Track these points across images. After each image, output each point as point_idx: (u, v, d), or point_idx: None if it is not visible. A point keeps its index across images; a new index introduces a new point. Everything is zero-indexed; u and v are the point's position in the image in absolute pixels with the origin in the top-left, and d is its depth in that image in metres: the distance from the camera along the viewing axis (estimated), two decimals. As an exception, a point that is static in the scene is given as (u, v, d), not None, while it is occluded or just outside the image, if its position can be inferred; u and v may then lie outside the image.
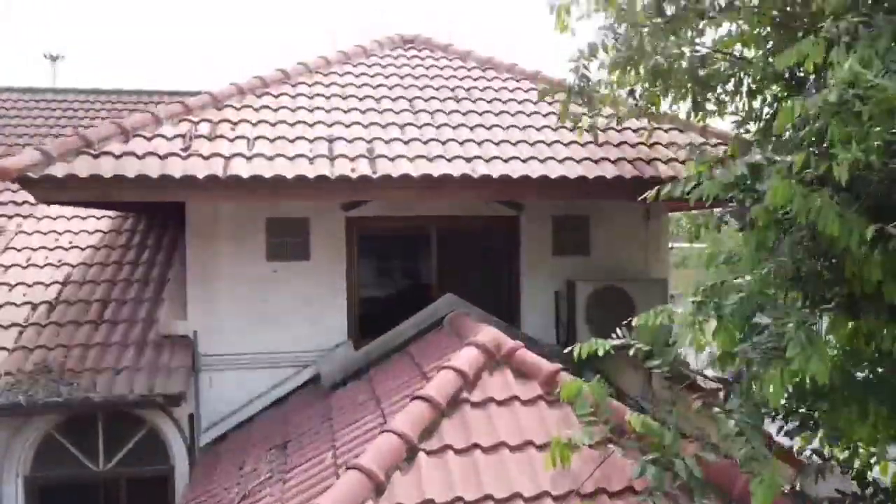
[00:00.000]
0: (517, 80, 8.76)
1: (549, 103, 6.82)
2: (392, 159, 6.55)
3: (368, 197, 6.56)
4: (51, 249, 8.65)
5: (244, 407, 7.33)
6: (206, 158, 6.26)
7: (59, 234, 8.97)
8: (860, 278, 3.99)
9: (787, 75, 5.14)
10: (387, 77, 8.46)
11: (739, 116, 5.41)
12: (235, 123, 6.93)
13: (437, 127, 7.28)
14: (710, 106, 5.53)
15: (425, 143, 6.92)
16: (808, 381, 3.94)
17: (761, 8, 5.15)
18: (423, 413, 4.52)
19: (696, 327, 4.40)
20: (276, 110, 7.31)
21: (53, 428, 7.06)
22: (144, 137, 6.47)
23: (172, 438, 7.21)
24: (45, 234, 8.94)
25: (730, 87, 5.44)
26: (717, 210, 5.17)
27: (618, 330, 4.66)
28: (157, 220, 9.22)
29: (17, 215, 9.42)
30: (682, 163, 6.96)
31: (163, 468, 7.18)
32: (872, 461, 4.71)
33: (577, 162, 6.85)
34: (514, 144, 7.07)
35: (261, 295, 7.41)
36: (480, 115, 7.67)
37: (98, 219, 9.37)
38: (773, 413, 4.45)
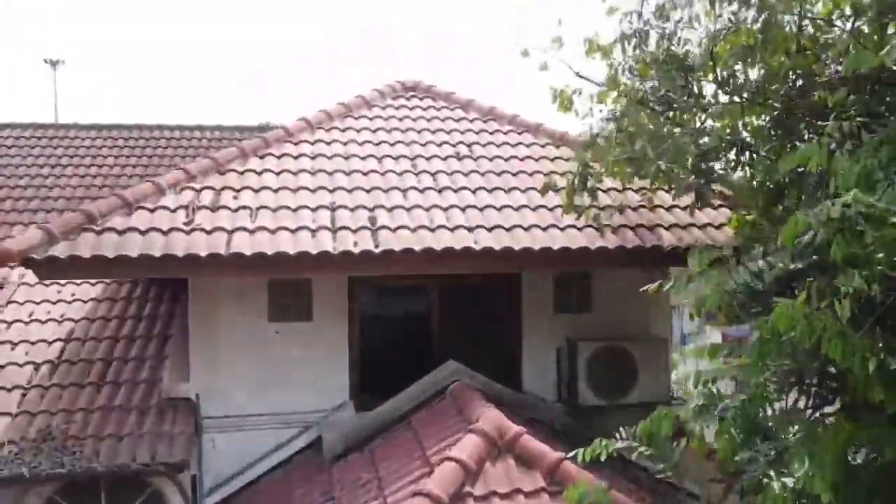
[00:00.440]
0: (519, 133, 8.79)
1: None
2: (394, 230, 6.57)
3: (371, 271, 6.57)
4: (53, 303, 8.67)
5: (248, 469, 7.34)
6: (208, 233, 6.27)
7: (62, 285, 8.98)
8: (863, 391, 4.01)
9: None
10: (389, 132, 8.48)
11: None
12: (238, 191, 6.95)
13: (440, 191, 7.29)
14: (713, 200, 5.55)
15: (427, 209, 6.94)
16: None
17: (762, 97, 5.17)
18: (427, 511, 4.54)
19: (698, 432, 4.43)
20: (278, 174, 7.33)
21: (56, 492, 7.06)
22: (147, 209, 6.49)
23: (176, 502, 7.21)
24: (47, 285, 8.93)
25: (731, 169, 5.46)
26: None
27: (621, 430, 4.67)
28: (160, 270, 9.23)
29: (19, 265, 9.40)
30: (684, 228, 6.98)
31: (166, 531, 7.18)
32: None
33: (580, 230, 6.86)
34: (516, 209, 7.08)
35: (263, 356, 7.41)
36: (482, 175, 7.69)
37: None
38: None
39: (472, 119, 9.07)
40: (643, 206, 7.31)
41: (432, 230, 6.64)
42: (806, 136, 5.16)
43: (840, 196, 4.11)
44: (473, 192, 7.34)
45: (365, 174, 7.48)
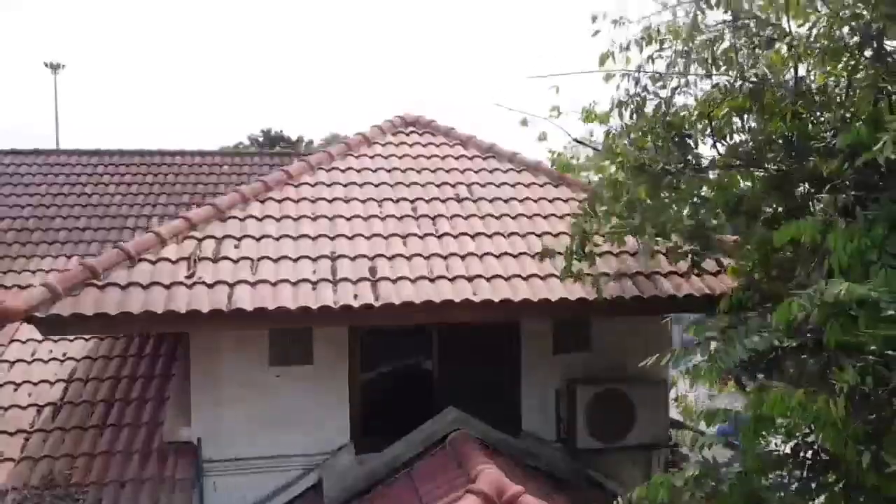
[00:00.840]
0: (518, 172, 8.84)
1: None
2: (394, 281, 6.61)
3: (371, 323, 6.62)
4: (55, 341, 8.71)
5: (249, 512, 7.39)
6: (210, 286, 6.32)
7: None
8: (857, 475, 4.05)
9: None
10: (389, 171, 8.53)
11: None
12: (239, 239, 7.00)
13: (440, 237, 7.34)
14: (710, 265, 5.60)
15: (427, 258, 6.98)
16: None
17: (759, 162, 5.22)
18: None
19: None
20: (279, 220, 7.38)
21: (58, 536, 7.13)
22: (149, 261, 6.53)
23: (177, 546, 7.26)
24: (49, 322, 8.98)
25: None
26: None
27: (619, 499, 4.72)
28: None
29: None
30: (682, 276, 7.02)
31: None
32: None
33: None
34: (515, 257, 7.13)
35: (264, 399, 7.44)
36: (482, 219, 7.74)
37: (102, 303, 9.42)
38: None
39: (472, 157, 9.12)
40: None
41: (432, 280, 6.68)
42: (803, 200, 5.20)
43: (834, 275, 4.17)
44: (473, 237, 7.38)
45: (365, 219, 7.52)
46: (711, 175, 5.21)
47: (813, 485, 4.54)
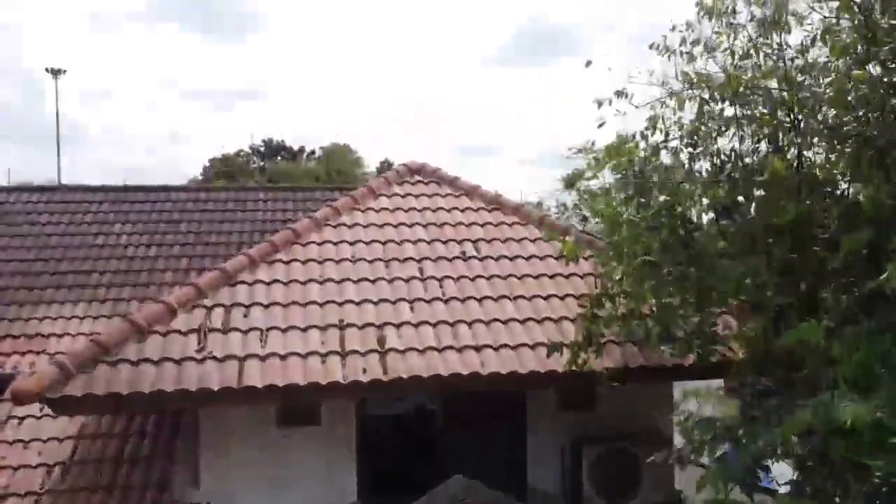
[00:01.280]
0: (523, 225, 8.89)
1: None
2: (403, 352, 6.67)
3: (380, 395, 6.69)
4: (64, 394, 8.74)
5: (258, 572, 7.45)
6: (220, 360, 6.38)
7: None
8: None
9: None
10: (395, 227, 8.59)
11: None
12: (248, 307, 7.05)
13: (446, 301, 7.39)
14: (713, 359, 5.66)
15: (434, 325, 7.04)
16: None
17: (764, 250, 5.27)
18: None
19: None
20: (287, 284, 7.43)
21: None
22: (160, 334, 6.59)
23: None
24: (57, 374, 9.03)
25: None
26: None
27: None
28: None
29: (30, 351, 9.51)
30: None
31: None
32: None
33: (584, 346, 6.95)
34: (522, 323, 7.18)
35: (272, 459, 7.52)
36: (488, 280, 7.80)
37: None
38: None
39: (478, 208, 9.17)
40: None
41: (440, 351, 6.73)
42: (809, 292, 5.24)
43: (839, 387, 4.22)
44: (479, 301, 7.44)
45: (373, 282, 7.58)
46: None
47: None
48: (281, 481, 7.53)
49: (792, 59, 5.28)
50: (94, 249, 11.69)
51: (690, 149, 5.15)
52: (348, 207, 8.88)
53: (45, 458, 7.92)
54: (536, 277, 7.91)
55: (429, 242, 8.37)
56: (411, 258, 8.04)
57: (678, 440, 8.05)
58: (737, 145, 5.20)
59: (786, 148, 4.98)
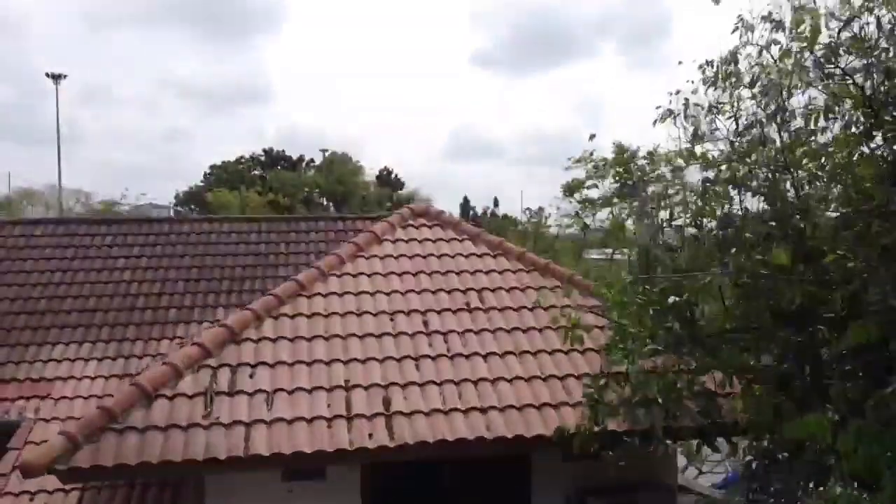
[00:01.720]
0: (528, 272, 8.91)
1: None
2: (409, 415, 6.68)
3: (386, 460, 6.70)
4: (69, 442, 8.76)
5: None
6: (227, 427, 6.39)
7: (77, 419, 9.07)
8: None
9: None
10: (400, 276, 8.60)
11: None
12: (254, 367, 7.06)
13: (451, 358, 7.40)
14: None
15: (440, 384, 7.05)
16: None
17: (767, 340, 5.29)
18: None
19: None
20: (292, 341, 7.44)
21: None
22: (166, 397, 6.60)
23: None
24: (62, 420, 9.06)
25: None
26: None
27: None
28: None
29: (35, 396, 9.53)
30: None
31: None
32: None
33: (590, 406, 6.96)
34: (527, 381, 7.20)
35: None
36: (493, 333, 7.81)
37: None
38: None
39: (482, 254, 9.18)
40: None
41: (445, 413, 6.74)
42: (814, 381, 5.25)
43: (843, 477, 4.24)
44: (485, 358, 7.45)
45: (378, 338, 7.59)
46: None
47: None
48: (286, 536, 7.54)
49: (790, 139, 5.31)
50: (98, 286, 11.70)
51: (695, 229, 5.18)
52: (352, 255, 8.89)
53: (50, 511, 7.96)
54: (541, 330, 7.92)
55: (433, 292, 8.38)
56: (416, 310, 8.05)
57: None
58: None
59: (791, 234, 4.99)
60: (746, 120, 5.80)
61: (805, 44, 5.11)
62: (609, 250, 35.11)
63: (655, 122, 5.48)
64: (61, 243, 12.62)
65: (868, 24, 5.24)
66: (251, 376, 6.98)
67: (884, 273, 4.43)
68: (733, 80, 6.14)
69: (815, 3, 5.51)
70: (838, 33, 5.03)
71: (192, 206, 60.84)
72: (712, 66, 6.41)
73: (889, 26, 5.24)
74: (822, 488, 4.63)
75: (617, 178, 34.17)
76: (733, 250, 4.91)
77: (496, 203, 45.53)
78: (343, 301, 8.11)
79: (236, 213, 47.59)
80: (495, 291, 8.52)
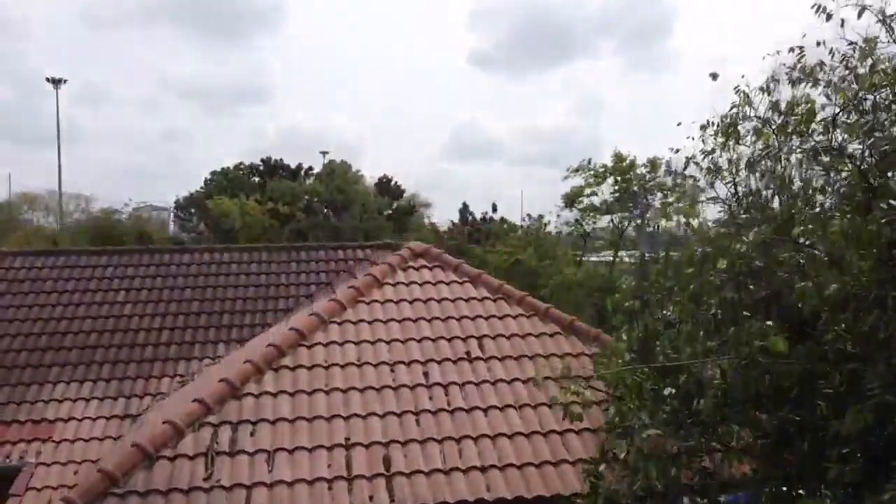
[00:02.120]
0: (528, 317, 8.93)
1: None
2: (409, 475, 6.70)
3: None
4: (70, 487, 8.78)
5: None
6: (228, 490, 6.40)
7: (79, 463, 9.11)
8: None
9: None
10: (400, 323, 8.62)
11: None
12: (255, 424, 7.08)
13: (452, 412, 7.42)
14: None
15: (440, 441, 7.07)
16: None
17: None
18: None
19: None
20: (293, 395, 7.46)
21: None
22: (168, 459, 6.62)
23: None
24: (63, 465, 9.09)
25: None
26: None
27: None
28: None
29: (36, 439, 9.55)
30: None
31: None
32: None
33: (589, 462, 6.99)
34: (527, 436, 7.21)
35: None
36: (493, 384, 7.82)
37: (115, 439, 9.51)
38: None
39: (482, 298, 9.20)
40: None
41: (446, 473, 6.76)
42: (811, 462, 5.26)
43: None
44: (485, 412, 7.46)
45: (378, 391, 7.60)
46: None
47: None
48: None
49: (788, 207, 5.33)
50: (99, 321, 11.72)
51: (692, 319, 5.19)
52: (352, 300, 8.90)
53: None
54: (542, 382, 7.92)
55: (434, 340, 8.40)
56: (416, 360, 8.06)
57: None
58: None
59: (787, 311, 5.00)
60: (745, 188, 5.82)
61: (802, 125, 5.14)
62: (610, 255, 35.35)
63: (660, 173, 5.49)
64: (62, 275, 12.65)
65: (866, 99, 5.27)
66: (252, 434, 7.00)
67: (882, 368, 4.44)
68: (732, 142, 6.17)
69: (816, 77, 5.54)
70: (835, 118, 5.05)
71: (192, 211, 60.91)
72: (712, 126, 6.46)
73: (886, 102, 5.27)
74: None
75: (616, 186, 34.34)
76: (731, 330, 4.93)
77: (494, 209, 45.38)
78: (344, 351, 8.13)
79: (236, 220, 47.71)
80: (496, 339, 8.53)
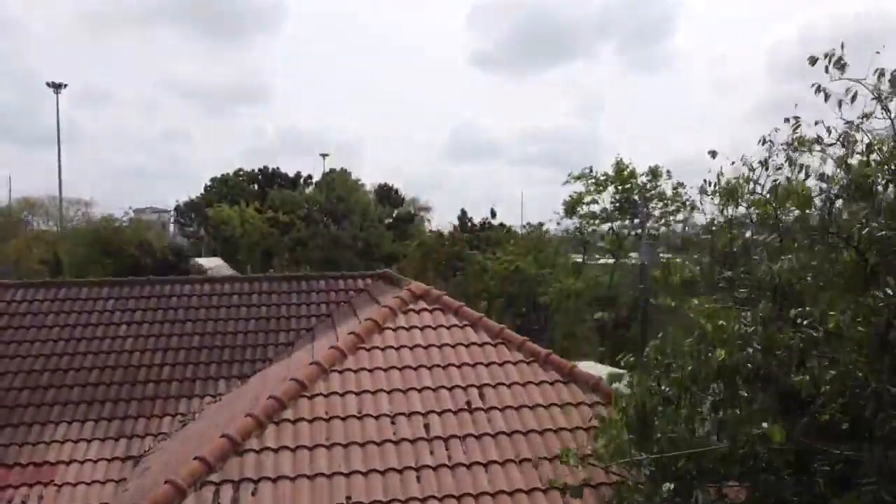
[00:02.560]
0: (528, 363, 8.97)
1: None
2: (409, 538, 6.74)
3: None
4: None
5: None
6: (229, 556, 6.44)
7: (80, 509, 9.14)
8: None
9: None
10: (401, 370, 8.66)
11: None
12: (256, 482, 7.10)
13: (452, 468, 7.45)
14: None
15: (441, 500, 7.09)
16: None
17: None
18: None
19: None
20: (294, 451, 7.49)
21: None
22: (170, 521, 6.66)
23: None
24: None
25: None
26: None
27: None
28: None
29: (38, 483, 9.57)
30: None
31: None
32: None
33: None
34: (527, 493, 7.24)
35: None
36: (494, 437, 7.86)
37: (117, 482, 9.55)
38: None
39: (482, 343, 9.24)
40: None
41: (447, 535, 6.80)
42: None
43: None
44: (486, 467, 7.49)
45: (379, 445, 7.63)
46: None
47: None
48: None
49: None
50: (101, 356, 11.74)
51: (690, 398, 5.24)
52: (353, 347, 8.94)
53: None
54: (541, 433, 7.97)
55: (434, 390, 8.44)
56: (417, 412, 8.10)
57: None
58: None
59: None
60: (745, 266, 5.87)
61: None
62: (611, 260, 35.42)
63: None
64: (63, 308, 12.67)
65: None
66: (254, 493, 7.02)
67: (879, 460, 4.48)
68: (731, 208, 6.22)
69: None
70: (830, 205, 5.09)
71: (193, 216, 61.03)
72: (711, 185, 6.52)
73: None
74: None
75: (616, 195, 34.44)
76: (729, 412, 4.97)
77: (493, 214, 45.42)
78: (345, 402, 8.16)
79: (237, 228, 47.81)
80: (496, 388, 8.57)
